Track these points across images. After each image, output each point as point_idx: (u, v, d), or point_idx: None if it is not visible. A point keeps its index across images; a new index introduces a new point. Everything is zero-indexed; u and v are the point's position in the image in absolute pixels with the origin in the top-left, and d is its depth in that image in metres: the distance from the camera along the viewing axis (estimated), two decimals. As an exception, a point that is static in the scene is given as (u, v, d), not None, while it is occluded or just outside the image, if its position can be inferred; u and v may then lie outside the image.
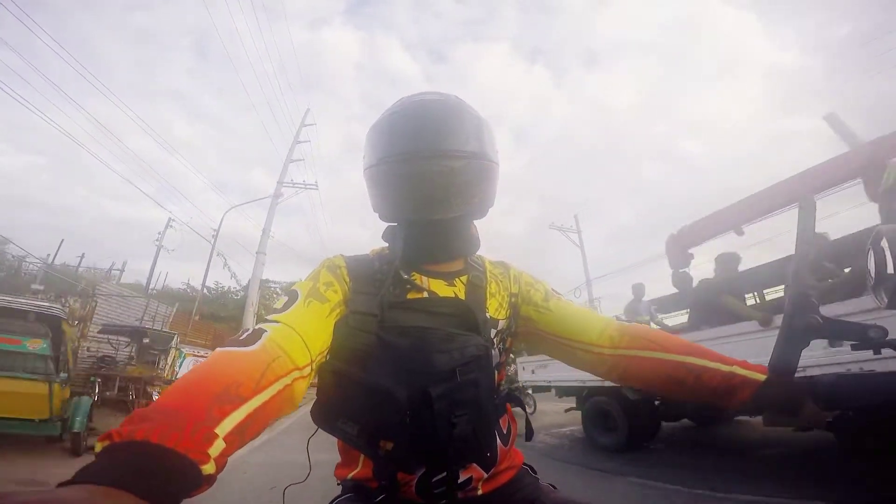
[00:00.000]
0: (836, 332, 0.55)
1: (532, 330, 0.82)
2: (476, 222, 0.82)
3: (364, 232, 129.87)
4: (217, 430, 0.41)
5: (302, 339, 0.59)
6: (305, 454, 0.80)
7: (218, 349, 0.54)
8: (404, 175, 0.69)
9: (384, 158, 0.71)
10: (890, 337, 0.55)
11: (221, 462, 0.41)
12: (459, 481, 0.68)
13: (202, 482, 0.38)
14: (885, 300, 0.54)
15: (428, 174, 0.68)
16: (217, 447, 0.40)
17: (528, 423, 0.83)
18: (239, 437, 0.44)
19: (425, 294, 0.74)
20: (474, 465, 0.70)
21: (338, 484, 0.75)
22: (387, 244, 0.81)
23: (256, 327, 0.58)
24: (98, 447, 0.36)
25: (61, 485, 0.31)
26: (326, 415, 0.69)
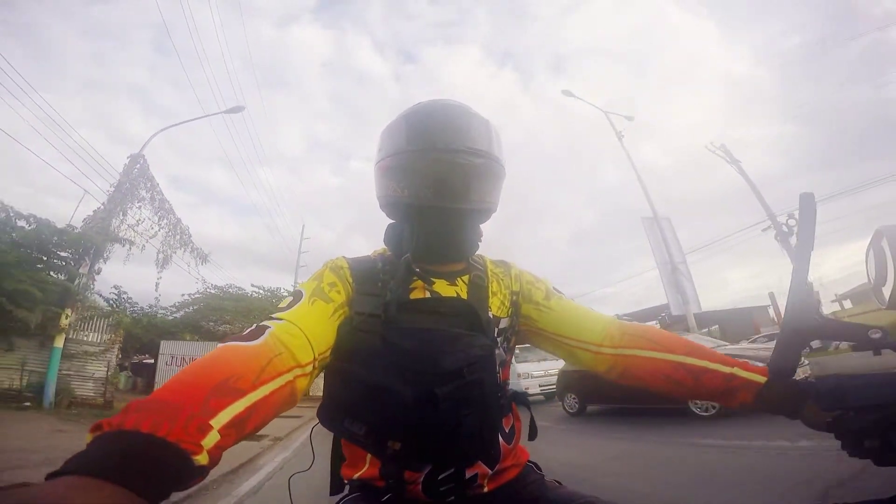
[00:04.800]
0: (837, 333, 0.56)
1: (533, 328, 0.83)
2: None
3: (327, 232, 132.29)
4: (212, 422, 0.41)
5: (306, 336, 0.59)
6: None
7: (220, 344, 0.53)
8: (432, 162, 0.70)
9: (410, 147, 0.72)
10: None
11: (216, 454, 0.41)
12: (465, 478, 0.69)
13: (194, 474, 0.38)
14: (886, 301, 0.54)
15: (454, 165, 0.69)
16: (211, 439, 0.40)
17: (532, 422, 0.85)
18: (236, 431, 0.44)
19: (428, 294, 0.74)
20: (479, 462, 0.70)
21: (345, 483, 0.76)
22: (386, 246, 0.82)
23: (260, 323, 0.58)
24: (89, 437, 0.36)
25: (49, 476, 0.31)
26: (333, 415, 0.69)
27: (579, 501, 0.70)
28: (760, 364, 0.65)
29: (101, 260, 9.86)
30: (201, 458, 0.38)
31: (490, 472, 0.71)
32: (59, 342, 9.08)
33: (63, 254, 9.40)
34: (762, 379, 0.62)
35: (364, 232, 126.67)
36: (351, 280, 0.74)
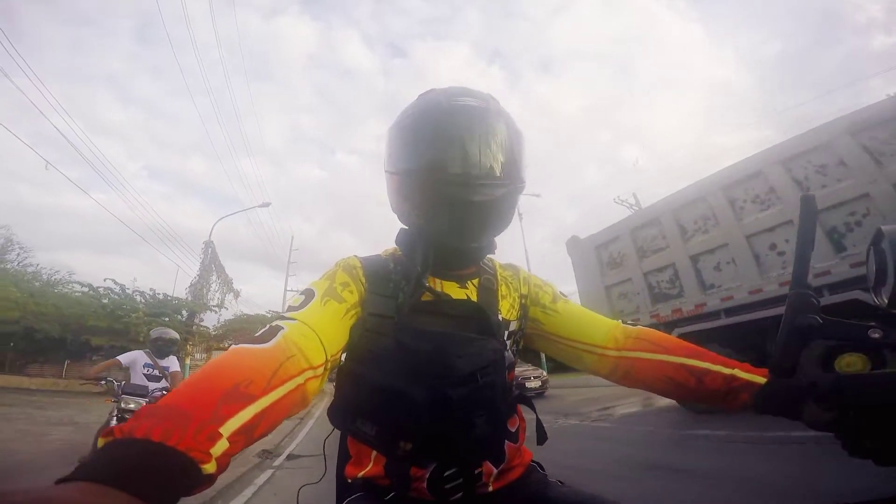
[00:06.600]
0: (837, 332, 0.55)
1: (538, 331, 0.85)
2: None
3: (309, 227, 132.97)
4: (222, 430, 0.41)
5: (318, 337, 0.59)
6: None
7: (233, 346, 0.53)
8: (444, 198, 0.67)
9: (424, 170, 0.68)
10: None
11: (224, 462, 0.40)
12: (471, 477, 0.69)
13: (202, 482, 0.38)
14: (886, 301, 0.53)
15: (471, 204, 0.67)
16: (220, 447, 0.40)
17: (539, 425, 0.84)
18: (245, 437, 0.44)
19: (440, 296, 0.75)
20: (486, 461, 0.71)
21: (348, 482, 0.75)
22: (399, 248, 0.81)
23: (273, 324, 0.58)
24: (100, 443, 0.36)
25: (59, 481, 0.31)
26: (344, 415, 0.70)
27: (582, 500, 0.70)
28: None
29: (202, 314, 17.60)
30: (209, 467, 0.38)
31: (495, 471, 0.71)
32: (188, 360, 16.61)
33: (184, 311, 17.04)
34: (762, 380, 0.62)
35: (349, 228, 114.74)
36: (364, 280, 0.73)
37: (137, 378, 4.10)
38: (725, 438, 4.14)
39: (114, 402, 3.73)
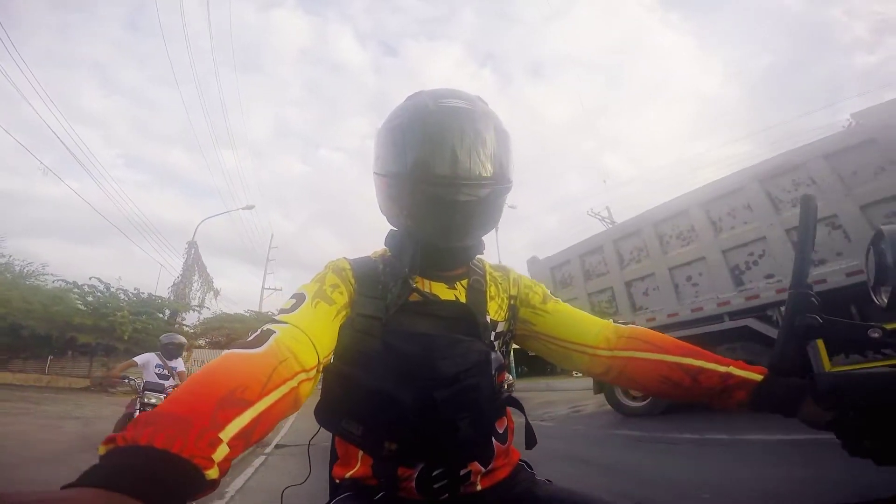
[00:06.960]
0: (837, 332, 0.55)
1: (529, 332, 0.85)
2: None
3: (289, 224, 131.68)
4: (221, 435, 0.41)
5: (310, 340, 0.60)
6: None
7: (226, 351, 0.54)
8: (430, 198, 0.69)
9: (412, 172, 0.69)
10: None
11: (225, 467, 0.41)
12: (459, 476, 0.70)
13: (205, 487, 0.39)
14: (885, 301, 0.54)
15: (456, 204, 0.68)
16: (221, 452, 0.41)
17: (529, 429, 0.85)
18: (243, 441, 0.44)
19: (428, 297, 0.76)
20: (473, 461, 0.71)
21: (337, 483, 0.76)
22: (388, 249, 0.82)
23: (265, 328, 0.59)
24: (102, 450, 0.37)
25: (65, 487, 0.31)
26: (331, 415, 0.72)
27: (568, 497, 0.71)
28: None
29: (184, 314, 18.23)
30: (212, 473, 0.39)
31: (483, 470, 0.72)
32: (167, 356, 17.31)
33: (167, 310, 17.61)
34: (758, 377, 0.62)
35: (331, 226, 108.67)
36: (353, 281, 0.74)
37: (150, 376, 4.85)
38: (640, 438, 4.99)
39: (137, 396, 4.52)
